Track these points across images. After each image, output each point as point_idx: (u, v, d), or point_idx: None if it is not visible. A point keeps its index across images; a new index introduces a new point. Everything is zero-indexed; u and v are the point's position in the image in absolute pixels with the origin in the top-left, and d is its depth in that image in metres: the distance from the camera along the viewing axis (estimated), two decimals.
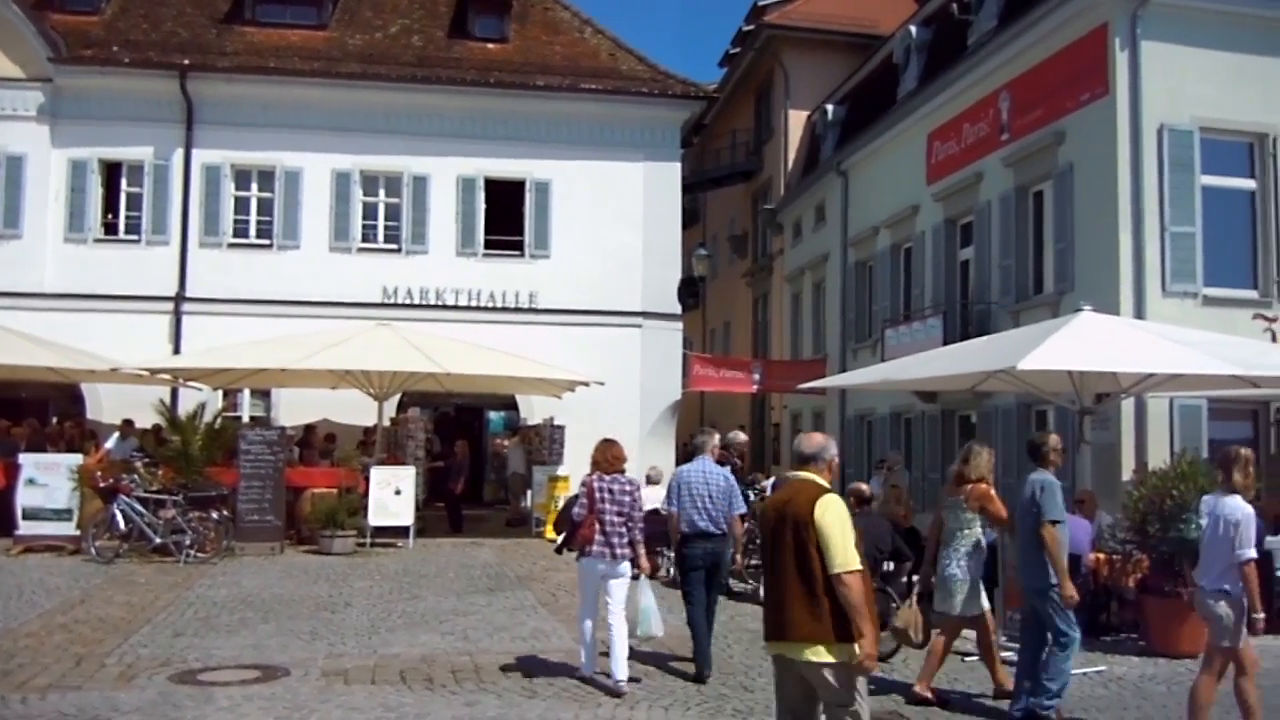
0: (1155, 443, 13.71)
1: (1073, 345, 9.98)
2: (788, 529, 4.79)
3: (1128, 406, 13.63)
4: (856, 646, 4.63)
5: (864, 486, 10.93)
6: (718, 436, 9.47)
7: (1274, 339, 14.11)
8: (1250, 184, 14.77)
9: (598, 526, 7.77)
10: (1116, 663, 9.05)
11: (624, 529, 7.82)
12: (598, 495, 7.84)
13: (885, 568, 9.56)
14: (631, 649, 7.96)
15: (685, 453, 25.10)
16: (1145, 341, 10.61)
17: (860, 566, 4.68)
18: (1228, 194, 14.67)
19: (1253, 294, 14.52)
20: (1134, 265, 14.09)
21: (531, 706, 7.22)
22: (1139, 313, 13.85)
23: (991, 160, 17.62)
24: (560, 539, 8.72)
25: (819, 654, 4.66)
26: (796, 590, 4.71)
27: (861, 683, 4.82)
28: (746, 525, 10.28)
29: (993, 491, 7.85)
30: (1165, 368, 10.13)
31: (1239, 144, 14.75)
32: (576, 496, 8.37)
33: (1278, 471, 13.73)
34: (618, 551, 7.79)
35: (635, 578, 8.01)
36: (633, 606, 7.95)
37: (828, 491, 4.85)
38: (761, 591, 5.23)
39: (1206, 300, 14.21)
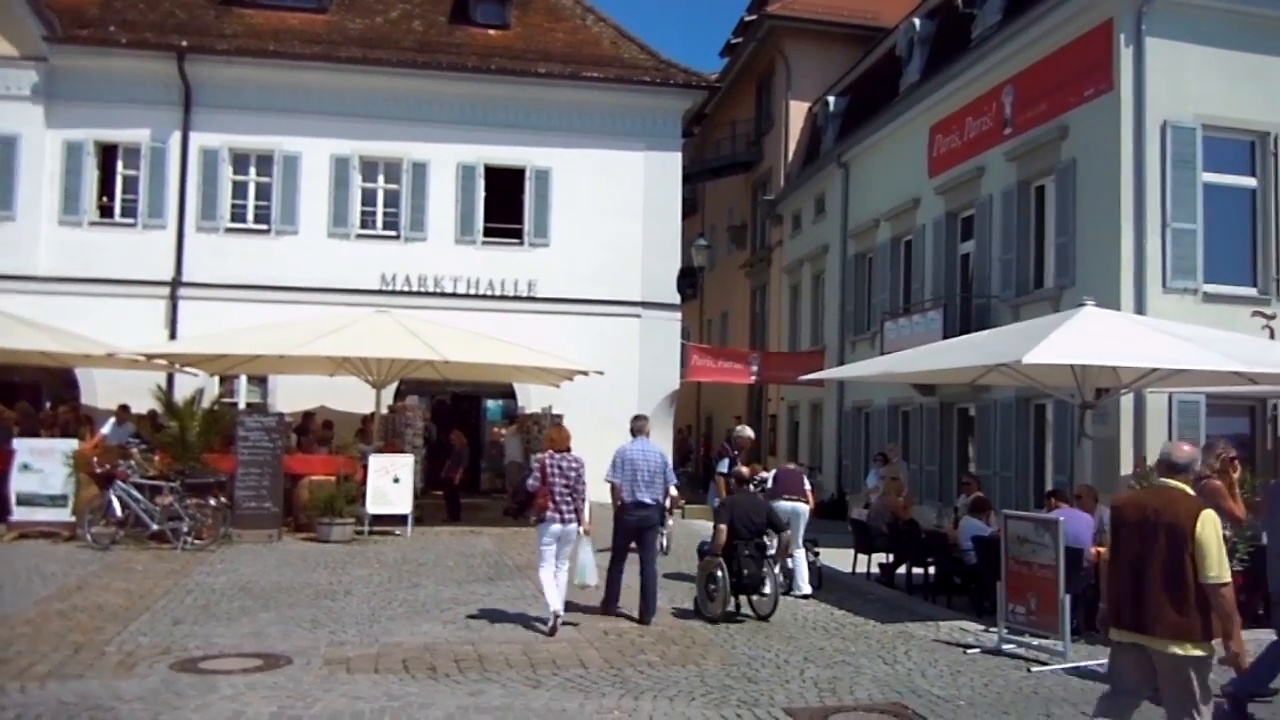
0: (1154, 438, 13.69)
1: (1076, 340, 10.00)
2: (1162, 534, 5.25)
3: (1127, 401, 13.65)
4: (1220, 644, 5.18)
5: (745, 469, 12.37)
6: (648, 422, 10.88)
7: (1272, 336, 14.14)
8: (1251, 182, 14.77)
9: (550, 496, 9.22)
10: None
11: (570, 498, 9.33)
12: (549, 470, 9.32)
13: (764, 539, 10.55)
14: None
15: (678, 440, 25.23)
16: (1147, 337, 10.62)
17: (1230, 579, 5.17)
18: (1229, 191, 14.66)
19: (1252, 291, 14.53)
20: (1135, 261, 14.08)
21: (536, 696, 7.20)
22: (1139, 308, 13.85)
23: (994, 154, 17.59)
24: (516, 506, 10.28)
25: (1185, 649, 5.14)
26: (1167, 591, 5.18)
27: (1210, 677, 5.27)
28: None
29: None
30: (1167, 363, 10.16)
31: (1241, 142, 14.74)
32: (531, 471, 9.69)
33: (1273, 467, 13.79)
34: (566, 516, 9.31)
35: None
36: (574, 560, 9.45)
37: (1205, 507, 5.30)
38: (1106, 583, 5.75)
39: (1206, 297, 14.21)
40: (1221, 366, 10.16)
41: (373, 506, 15.65)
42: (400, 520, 15.89)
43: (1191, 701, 5.15)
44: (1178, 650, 5.13)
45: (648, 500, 9.93)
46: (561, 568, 9.42)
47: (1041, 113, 16.23)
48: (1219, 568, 5.11)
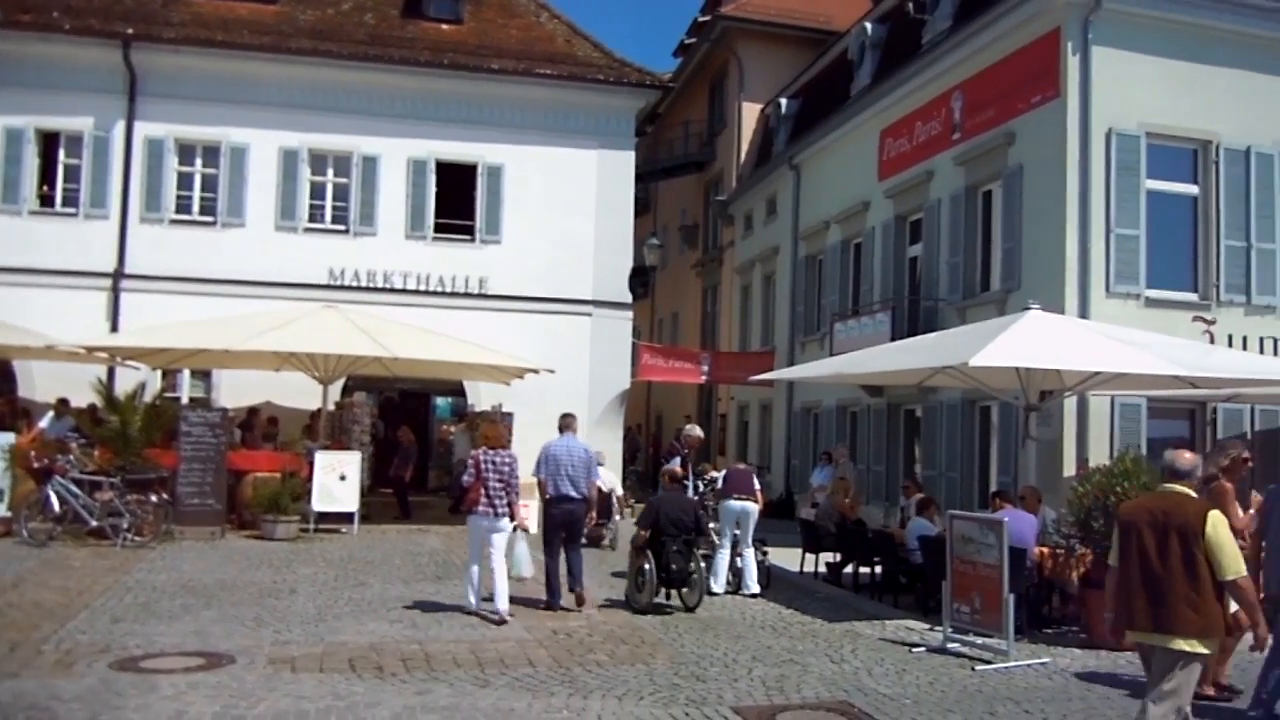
0: (1096, 440, 13.98)
1: (1021, 343, 10.18)
2: (1174, 537, 5.53)
3: (1070, 404, 13.89)
4: (1251, 634, 5.64)
5: (677, 469, 12.68)
6: (577, 418, 11.25)
7: (1212, 340, 14.44)
8: (1193, 189, 15.09)
9: (483, 490, 9.57)
10: (1059, 654, 9.22)
11: (504, 492, 9.63)
12: (483, 465, 9.63)
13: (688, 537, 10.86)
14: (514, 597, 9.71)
15: (628, 444, 25.26)
16: (1091, 341, 10.83)
17: (1245, 572, 5.52)
18: (1171, 198, 14.97)
19: (1193, 297, 14.85)
20: (1079, 265, 14.33)
21: (484, 695, 7.16)
22: (1083, 312, 14.09)
23: (943, 159, 17.80)
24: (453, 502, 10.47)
25: (1194, 646, 5.45)
26: (1184, 591, 5.46)
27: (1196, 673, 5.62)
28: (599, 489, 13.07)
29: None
30: (1110, 366, 10.37)
31: (1183, 150, 15.05)
32: (466, 466, 9.99)
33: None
34: (499, 510, 9.62)
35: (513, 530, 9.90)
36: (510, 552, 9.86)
37: (1212, 508, 5.64)
38: (1114, 588, 5.98)
39: (1148, 302, 14.51)
40: (1162, 370, 10.39)
41: (319, 504, 15.47)
42: (347, 518, 15.73)
43: (1161, 688, 5.48)
44: (1186, 647, 5.44)
45: (573, 494, 10.32)
46: (499, 561, 9.69)
47: (990, 118, 16.45)
48: (1235, 564, 5.45)
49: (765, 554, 12.62)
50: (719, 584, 11.77)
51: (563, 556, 10.44)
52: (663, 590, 10.70)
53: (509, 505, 9.71)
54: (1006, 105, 16.00)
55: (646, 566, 10.52)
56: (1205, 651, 5.49)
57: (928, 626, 10.18)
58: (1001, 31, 16.11)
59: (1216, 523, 5.48)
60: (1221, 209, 14.93)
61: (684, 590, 10.73)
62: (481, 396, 20.40)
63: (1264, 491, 8.57)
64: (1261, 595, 7.20)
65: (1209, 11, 14.80)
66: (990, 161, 16.42)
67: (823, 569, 13.39)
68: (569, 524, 10.40)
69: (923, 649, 9.27)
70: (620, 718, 6.80)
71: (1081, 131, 14.46)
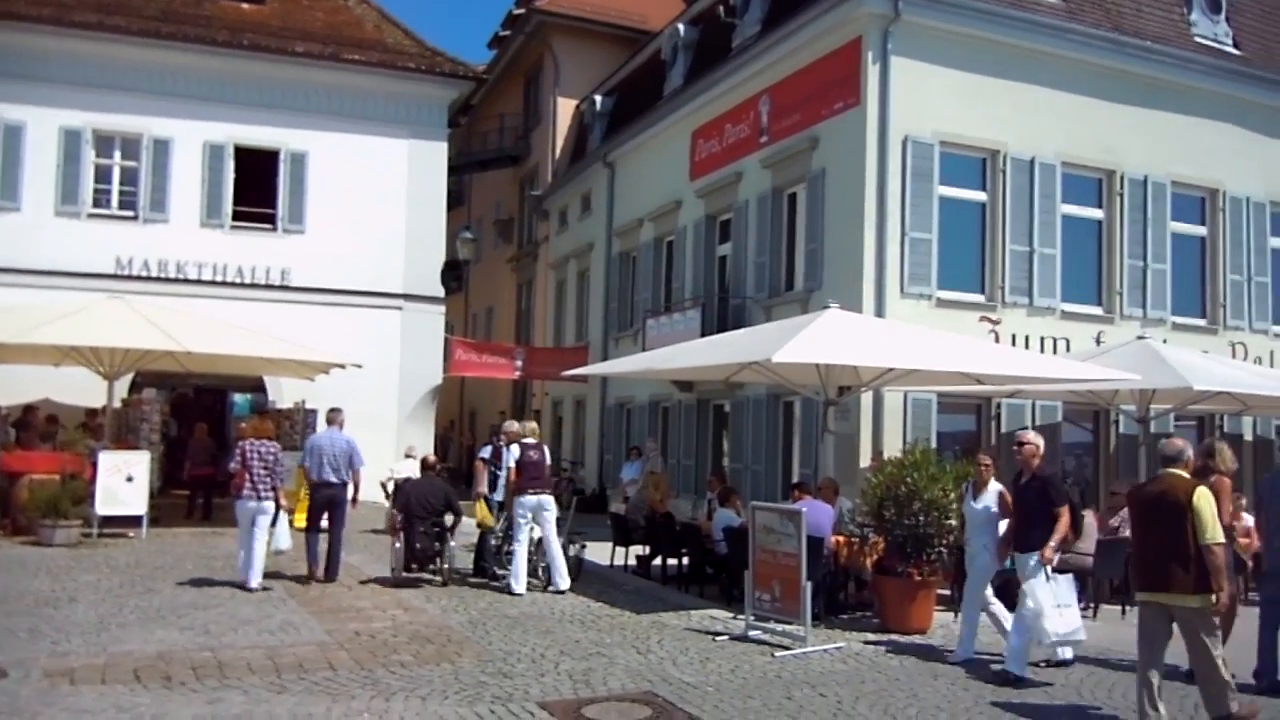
0: (890, 433, 14.66)
1: (822, 340, 10.55)
2: (1170, 511, 6.60)
3: (866, 399, 14.51)
4: (1214, 596, 6.51)
5: (431, 456, 14.11)
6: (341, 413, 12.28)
7: (997, 340, 15.37)
8: (982, 196, 15.99)
9: (248, 477, 10.94)
10: (853, 639, 9.61)
11: (268, 478, 11.00)
12: (248, 454, 11.03)
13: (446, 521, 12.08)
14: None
15: (440, 440, 24.90)
16: (885, 339, 11.36)
17: (1223, 540, 6.58)
18: (961, 204, 15.81)
19: (980, 298, 15.75)
20: (876, 267, 14.96)
21: (280, 702, 6.87)
22: (879, 311, 14.73)
23: (751, 161, 18.28)
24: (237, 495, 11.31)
25: (1191, 601, 6.52)
26: (1178, 557, 6.51)
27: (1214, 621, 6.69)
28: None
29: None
30: (903, 363, 10.90)
31: (973, 158, 15.93)
32: (234, 455, 11.28)
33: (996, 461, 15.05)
34: (262, 494, 10.99)
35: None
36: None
37: (1200, 485, 6.74)
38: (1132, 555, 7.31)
39: (939, 302, 15.31)
40: (951, 367, 11.03)
41: (103, 507, 14.51)
42: (135, 522, 14.83)
43: (1206, 644, 6.56)
44: (1188, 603, 6.53)
45: (333, 479, 11.62)
46: (260, 539, 10.96)
47: (795, 123, 17.00)
48: (1214, 533, 6.51)
49: (583, 547, 12.64)
50: (520, 584, 11.43)
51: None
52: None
53: (273, 490, 11.04)
54: (811, 111, 16.56)
55: (397, 545, 11.89)
56: (1198, 605, 6.53)
57: (731, 615, 10.43)
58: (807, 39, 16.64)
59: (1201, 496, 6.57)
60: (1007, 215, 15.86)
61: (430, 567, 11.98)
62: (284, 392, 19.62)
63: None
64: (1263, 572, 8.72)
65: (999, 27, 15.69)
66: (795, 165, 16.96)
67: (633, 562, 13.53)
68: (330, 506, 11.69)
69: (726, 637, 9.50)
70: (424, 718, 6.66)
71: (880, 138, 15.09)
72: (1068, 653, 8.50)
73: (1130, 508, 7.15)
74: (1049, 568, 8.16)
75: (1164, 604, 6.65)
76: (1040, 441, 8.75)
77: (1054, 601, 8.05)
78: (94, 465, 14.70)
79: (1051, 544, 8.19)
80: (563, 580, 11.71)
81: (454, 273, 26.89)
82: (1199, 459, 8.74)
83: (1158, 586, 6.65)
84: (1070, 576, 8.54)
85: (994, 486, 8.98)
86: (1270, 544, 8.53)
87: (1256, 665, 8.16)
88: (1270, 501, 8.60)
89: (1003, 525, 8.76)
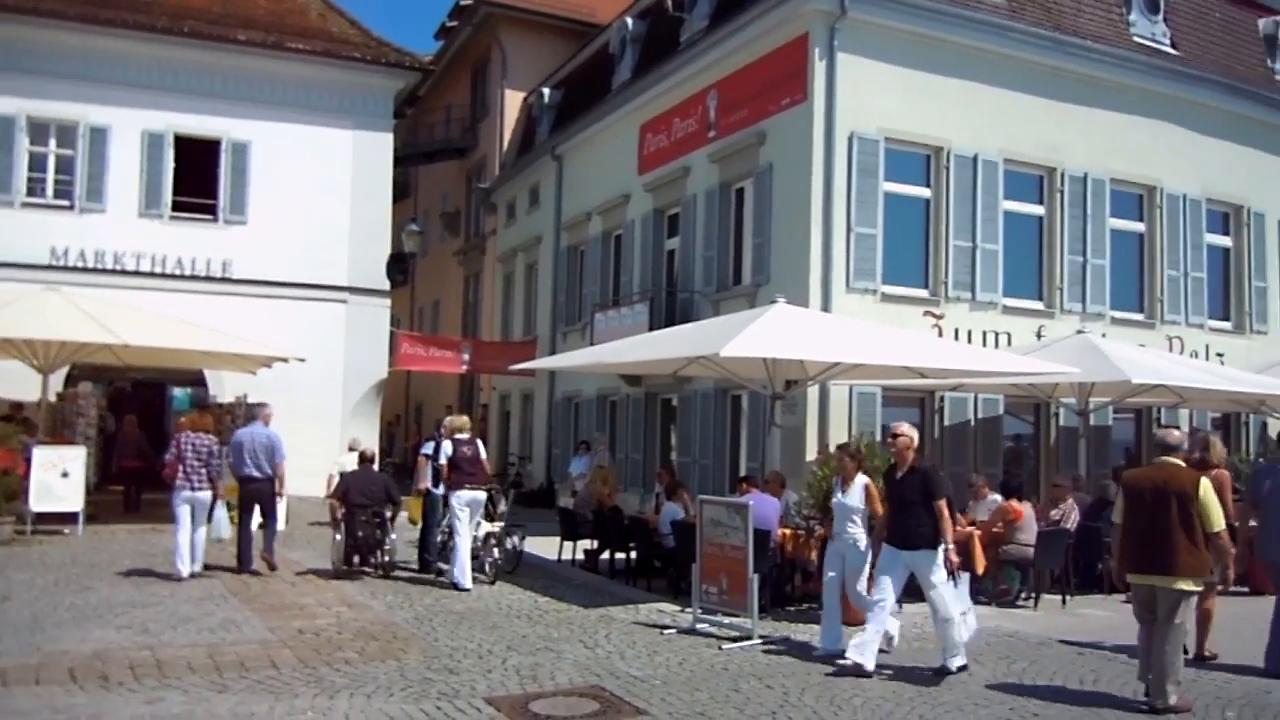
0: (836, 426, 14.78)
1: (768, 334, 10.58)
2: (1172, 499, 7.07)
3: (813, 393, 14.60)
4: (1218, 575, 7.32)
5: (369, 450, 13.80)
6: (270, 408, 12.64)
7: (940, 334, 15.57)
8: (926, 192, 16.17)
9: (181, 468, 11.20)
10: (800, 631, 9.67)
11: (203, 470, 11.29)
12: (184, 446, 11.33)
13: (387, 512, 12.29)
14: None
15: (385, 434, 24.64)
16: (831, 333, 11.43)
17: (1225, 526, 7.18)
18: (906, 200, 15.96)
19: (923, 293, 15.92)
20: (822, 262, 15.07)
21: (221, 701, 6.76)
22: (826, 306, 14.84)
23: (699, 155, 18.31)
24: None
25: (1188, 585, 7.02)
26: (1182, 542, 7.00)
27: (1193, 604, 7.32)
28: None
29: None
30: (848, 358, 10.99)
31: (918, 155, 16.09)
32: (170, 447, 11.56)
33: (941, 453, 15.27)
34: (196, 485, 11.27)
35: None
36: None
37: (1202, 476, 7.23)
38: (1119, 541, 7.61)
39: (884, 297, 15.45)
40: (895, 361, 11.15)
41: (37, 503, 14.18)
42: (70, 518, 14.50)
43: (1178, 627, 7.02)
44: (1183, 586, 7.00)
45: (256, 474, 11.76)
46: (188, 527, 11.22)
47: (742, 118, 17.05)
48: (1219, 520, 7.09)
49: (523, 537, 12.60)
50: (465, 579, 11.29)
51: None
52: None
53: (209, 480, 11.31)
54: (758, 106, 16.62)
55: (338, 536, 12.01)
56: (1197, 589, 7.10)
57: (679, 609, 10.45)
58: (754, 34, 16.69)
59: (1205, 487, 7.11)
60: (951, 211, 16.05)
61: (371, 559, 12.06)
62: (225, 387, 19.31)
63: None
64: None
65: (943, 25, 15.84)
66: (742, 160, 17.02)
67: (580, 556, 13.50)
68: (257, 499, 11.84)
69: (673, 631, 9.51)
70: (369, 716, 6.58)
71: (826, 134, 15.17)
72: (961, 660, 8.14)
73: (1126, 493, 7.46)
74: (949, 570, 8.11)
75: (1155, 585, 7.09)
76: (915, 434, 8.51)
77: (960, 608, 8.10)
78: (28, 460, 14.35)
79: (951, 547, 8.13)
80: (465, 579, 11.35)
81: (400, 265, 26.66)
82: (1195, 450, 9.11)
83: (1156, 569, 7.09)
84: (966, 578, 8.61)
85: (860, 480, 9.03)
86: (1268, 537, 8.67)
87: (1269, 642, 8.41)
88: (1271, 494, 8.72)
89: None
